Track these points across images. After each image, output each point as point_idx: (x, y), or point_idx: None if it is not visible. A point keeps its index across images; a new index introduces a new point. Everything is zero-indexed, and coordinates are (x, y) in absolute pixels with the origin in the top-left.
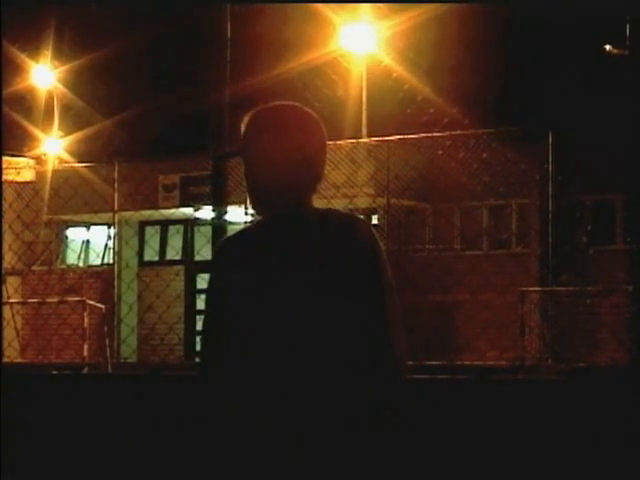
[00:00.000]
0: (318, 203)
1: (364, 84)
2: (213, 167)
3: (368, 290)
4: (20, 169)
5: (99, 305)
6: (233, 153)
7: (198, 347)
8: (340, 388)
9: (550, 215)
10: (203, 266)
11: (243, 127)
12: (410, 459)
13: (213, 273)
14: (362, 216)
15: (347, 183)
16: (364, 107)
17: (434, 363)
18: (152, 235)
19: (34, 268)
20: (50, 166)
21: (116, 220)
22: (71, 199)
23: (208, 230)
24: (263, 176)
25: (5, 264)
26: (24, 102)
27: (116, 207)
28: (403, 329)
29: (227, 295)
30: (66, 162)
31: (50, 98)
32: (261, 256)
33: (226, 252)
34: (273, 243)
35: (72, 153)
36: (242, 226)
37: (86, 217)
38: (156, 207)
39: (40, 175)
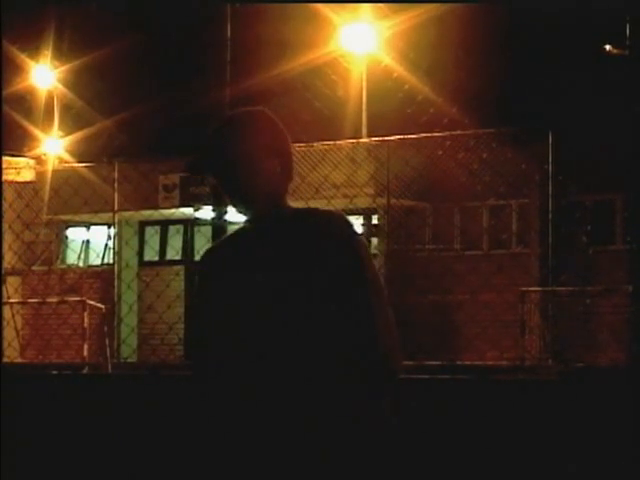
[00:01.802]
0: (318, 203)
1: (364, 84)
2: None
3: (351, 285)
4: (20, 169)
5: (99, 305)
6: (195, 168)
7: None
8: (328, 385)
9: (550, 215)
10: None
11: (211, 134)
12: (408, 459)
13: (198, 278)
14: (362, 216)
15: (347, 183)
16: (364, 107)
17: (434, 363)
18: (152, 235)
19: (34, 268)
20: (50, 166)
21: (116, 220)
22: (71, 199)
23: (208, 230)
24: (236, 179)
25: (5, 264)
26: (24, 102)
27: (116, 207)
28: (393, 322)
29: (212, 299)
30: (66, 162)
31: (50, 98)
32: (243, 259)
33: (210, 257)
34: (254, 245)
35: (72, 153)
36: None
37: (86, 217)
38: (156, 207)
39: (40, 175)
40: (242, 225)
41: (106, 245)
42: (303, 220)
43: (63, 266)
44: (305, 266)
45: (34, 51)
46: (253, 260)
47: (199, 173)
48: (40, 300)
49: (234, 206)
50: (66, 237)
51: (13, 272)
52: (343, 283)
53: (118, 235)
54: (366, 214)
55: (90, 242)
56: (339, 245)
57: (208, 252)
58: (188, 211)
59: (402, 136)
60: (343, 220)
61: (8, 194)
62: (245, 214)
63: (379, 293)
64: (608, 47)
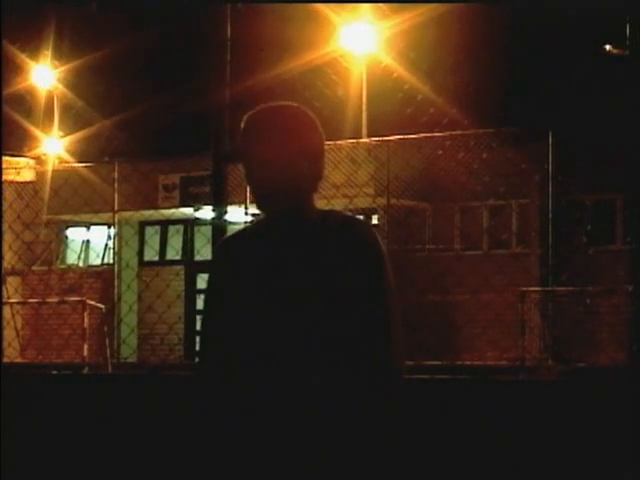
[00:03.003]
0: (318, 203)
1: (364, 84)
2: (213, 167)
3: (369, 291)
4: (20, 169)
5: (99, 305)
6: (232, 155)
7: (198, 347)
8: (338, 387)
9: (550, 215)
10: (203, 266)
11: (241, 128)
12: (409, 459)
13: (212, 272)
14: (362, 216)
15: (347, 183)
16: (364, 107)
17: (434, 363)
18: (152, 235)
19: (34, 268)
20: (50, 166)
21: (116, 220)
22: (71, 199)
23: (208, 230)
24: (263, 176)
25: (5, 264)
26: (24, 102)
27: (116, 207)
28: (403, 331)
29: (226, 294)
30: (66, 162)
31: (50, 98)
32: (260, 256)
33: (225, 251)
34: (273, 243)
35: (72, 153)
36: (242, 226)
37: (86, 217)
38: (156, 207)
39: (40, 175)
40: (259, 220)
41: (106, 245)
42: (325, 223)
43: (63, 266)
44: (322, 269)
45: (34, 51)
46: (269, 258)
47: (234, 161)
48: (40, 300)
49: (258, 200)
50: (66, 237)
51: (13, 272)
52: (358, 290)
53: (118, 235)
54: (366, 214)
55: (90, 242)
56: (359, 250)
57: (223, 245)
58: (188, 211)
59: (402, 136)
60: (365, 227)
61: (8, 194)
62: (267, 210)
63: (392, 304)
64: (608, 47)
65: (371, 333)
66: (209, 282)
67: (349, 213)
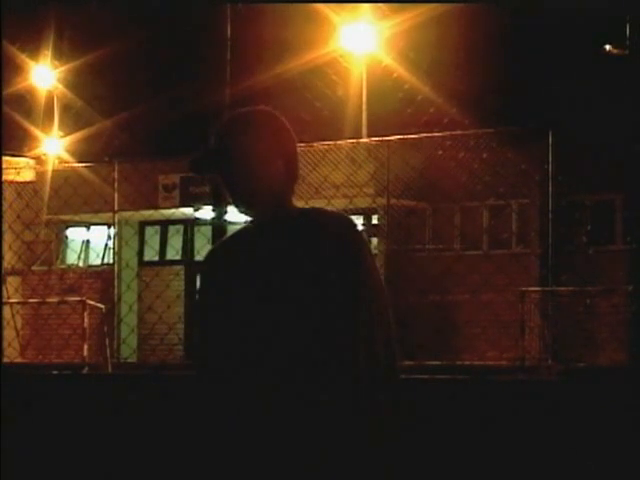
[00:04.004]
0: (318, 203)
1: (364, 84)
2: None
3: (352, 287)
4: (20, 169)
5: (99, 305)
6: (198, 167)
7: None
8: (328, 384)
9: (550, 215)
10: None
11: (218, 130)
12: (408, 459)
13: (201, 278)
14: (362, 216)
15: (347, 183)
16: (364, 107)
17: (434, 363)
18: (152, 235)
19: (34, 268)
20: (50, 166)
21: (116, 220)
22: (71, 199)
23: (208, 230)
24: (242, 173)
25: (5, 264)
26: (24, 102)
27: (116, 207)
28: (392, 326)
29: (215, 299)
30: (66, 162)
31: (50, 98)
32: (245, 259)
33: (214, 257)
34: (256, 245)
35: (72, 153)
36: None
37: (86, 217)
38: (156, 207)
39: (40, 175)
40: (244, 225)
41: (106, 245)
42: (306, 220)
43: (63, 266)
44: (307, 266)
45: (34, 51)
46: (256, 260)
47: (201, 173)
48: (40, 300)
49: (236, 206)
50: (66, 237)
51: (13, 272)
52: (344, 284)
53: (118, 235)
54: (366, 214)
55: (90, 242)
56: (342, 246)
57: (211, 252)
58: (188, 211)
59: (402, 136)
60: (347, 221)
61: (8, 194)
62: (247, 214)
63: (379, 294)
64: (608, 47)
65: (355, 330)
66: (199, 290)
67: (329, 209)
